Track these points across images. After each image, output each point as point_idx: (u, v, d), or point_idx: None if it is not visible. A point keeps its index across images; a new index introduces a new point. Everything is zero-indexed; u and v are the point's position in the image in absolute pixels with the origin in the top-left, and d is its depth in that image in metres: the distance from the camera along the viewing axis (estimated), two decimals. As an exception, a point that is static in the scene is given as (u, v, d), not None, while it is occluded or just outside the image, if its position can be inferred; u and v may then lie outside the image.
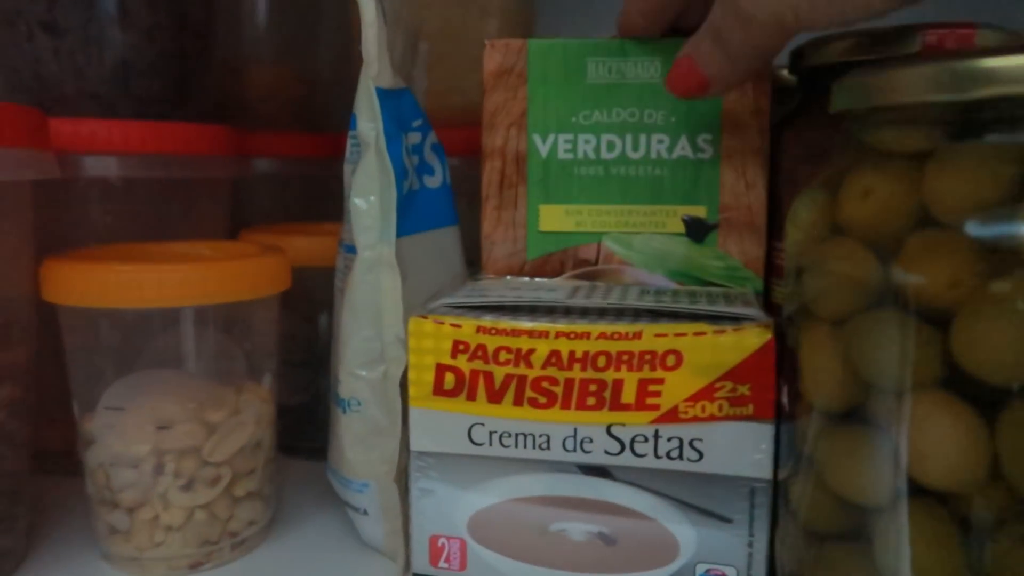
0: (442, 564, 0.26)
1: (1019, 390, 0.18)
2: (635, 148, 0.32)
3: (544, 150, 0.32)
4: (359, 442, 0.31)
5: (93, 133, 0.35)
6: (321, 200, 0.51)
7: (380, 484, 0.30)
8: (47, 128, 0.31)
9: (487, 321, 0.25)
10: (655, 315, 0.25)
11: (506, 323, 0.25)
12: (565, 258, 0.33)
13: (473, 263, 0.35)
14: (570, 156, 0.32)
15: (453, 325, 0.25)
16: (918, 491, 0.19)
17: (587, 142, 0.32)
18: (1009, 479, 0.18)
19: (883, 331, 0.19)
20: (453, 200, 0.35)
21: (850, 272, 0.20)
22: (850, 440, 0.20)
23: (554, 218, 0.32)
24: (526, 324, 0.25)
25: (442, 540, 0.26)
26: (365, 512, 0.31)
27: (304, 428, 0.40)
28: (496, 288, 0.29)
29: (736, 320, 0.24)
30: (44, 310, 0.31)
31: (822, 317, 0.21)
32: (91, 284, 0.28)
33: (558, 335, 0.25)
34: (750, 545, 0.24)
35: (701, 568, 0.25)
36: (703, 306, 0.25)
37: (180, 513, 0.30)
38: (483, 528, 0.26)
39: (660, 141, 0.31)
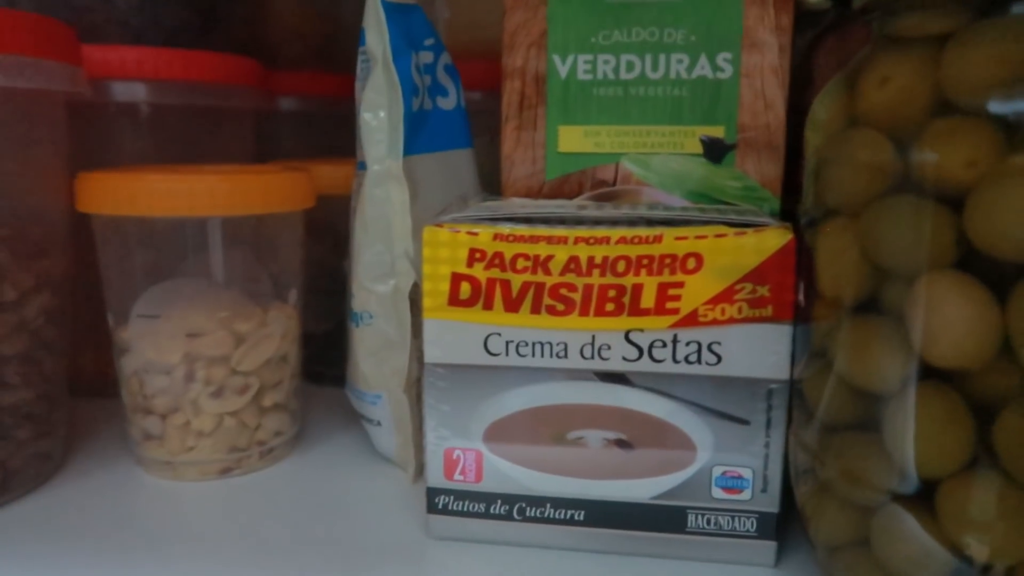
0: (457, 477, 0.27)
1: (1038, 268, 0.17)
2: (654, 68, 0.31)
3: (563, 71, 0.32)
4: (371, 355, 0.31)
5: (122, 59, 0.36)
6: (344, 140, 0.51)
7: (391, 395, 0.31)
8: (78, 45, 0.32)
9: (505, 228, 0.25)
10: (671, 224, 0.25)
11: (524, 230, 0.25)
12: (583, 179, 0.33)
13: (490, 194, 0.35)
14: (589, 77, 0.32)
15: (470, 233, 0.25)
16: (929, 373, 0.19)
17: (606, 62, 0.31)
18: (1019, 356, 0.18)
19: (900, 216, 0.19)
20: (468, 124, 0.35)
21: (868, 159, 0.20)
22: (864, 329, 0.21)
23: (573, 139, 0.32)
24: (544, 230, 0.25)
25: (457, 453, 0.27)
26: (378, 423, 0.32)
27: (329, 355, 0.41)
28: (509, 205, 0.29)
29: (755, 225, 0.24)
30: (80, 232, 0.32)
31: (840, 210, 0.21)
32: (123, 193, 0.29)
33: (577, 240, 0.25)
34: (766, 446, 0.25)
35: (718, 471, 0.25)
36: (717, 216, 0.25)
37: (210, 419, 0.31)
38: (499, 439, 0.26)
39: (679, 61, 0.31)
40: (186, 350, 0.30)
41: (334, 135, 0.52)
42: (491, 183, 0.35)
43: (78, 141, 0.34)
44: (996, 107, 0.18)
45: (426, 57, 0.32)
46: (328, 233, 0.40)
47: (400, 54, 0.30)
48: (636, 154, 0.32)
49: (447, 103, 0.34)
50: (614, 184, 0.33)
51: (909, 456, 0.20)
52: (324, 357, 0.41)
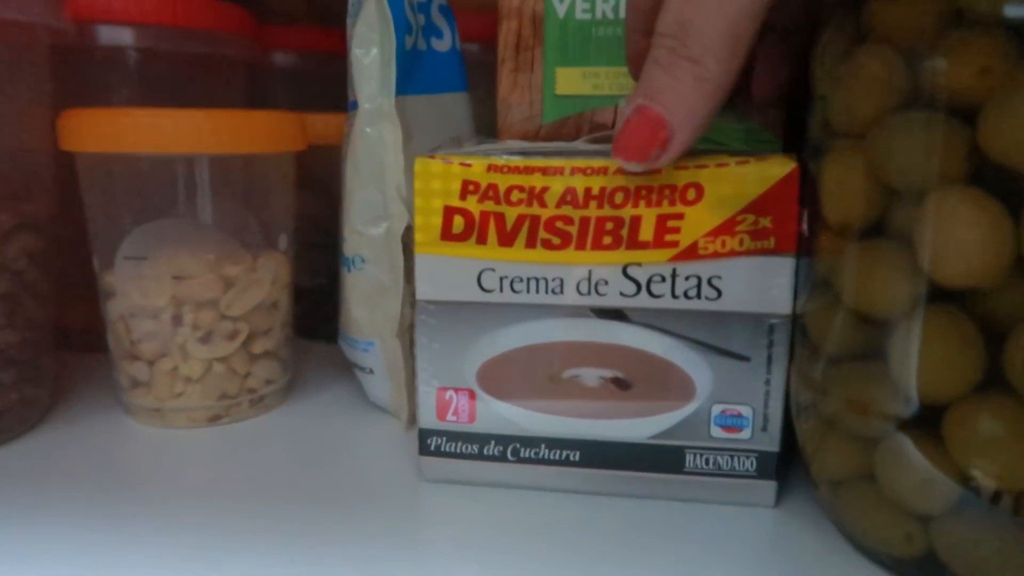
0: (450, 417, 0.26)
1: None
2: (658, 6, 0.30)
3: (561, 10, 0.31)
4: (363, 300, 0.31)
5: (109, 2, 0.35)
6: (339, 96, 0.50)
7: (384, 342, 0.31)
8: (59, -18, 0.31)
9: (499, 159, 0.24)
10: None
11: (519, 161, 0.24)
12: (581, 122, 0.32)
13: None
14: (588, 16, 0.31)
15: (463, 164, 0.24)
16: (938, 295, 0.18)
17: (605, 1, 0.31)
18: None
19: (910, 131, 0.18)
20: (463, 67, 0.34)
21: (878, 74, 0.19)
22: (871, 254, 0.20)
23: (571, 81, 0.31)
24: (540, 161, 0.24)
25: (450, 393, 0.26)
26: (371, 371, 0.31)
27: (323, 311, 0.40)
28: (504, 146, 0.28)
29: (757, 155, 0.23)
30: (65, 174, 0.31)
31: (848, 132, 0.20)
32: (107, 129, 0.28)
33: (574, 171, 0.24)
34: (767, 383, 0.24)
35: (717, 409, 0.24)
36: (719, 149, 0.24)
37: (198, 365, 0.30)
38: (493, 378, 0.26)
39: None
40: (173, 293, 0.29)
41: (327, 92, 0.51)
42: (487, 132, 0.34)
43: (65, 87, 0.33)
44: (1013, 11, 0.17)
45: (420, -6, 0.31)
46: (321, 186, 0.39)
47: (392, -12, 0.29)
48: (636, 96, 0.31)
49: (442, 45, 0.33)
50: (613, 127, 0.32)
51: (916, 381, 0.19)
52: (317, 313, 0.40)
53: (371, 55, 0.29)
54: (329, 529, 0.23)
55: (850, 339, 0.21)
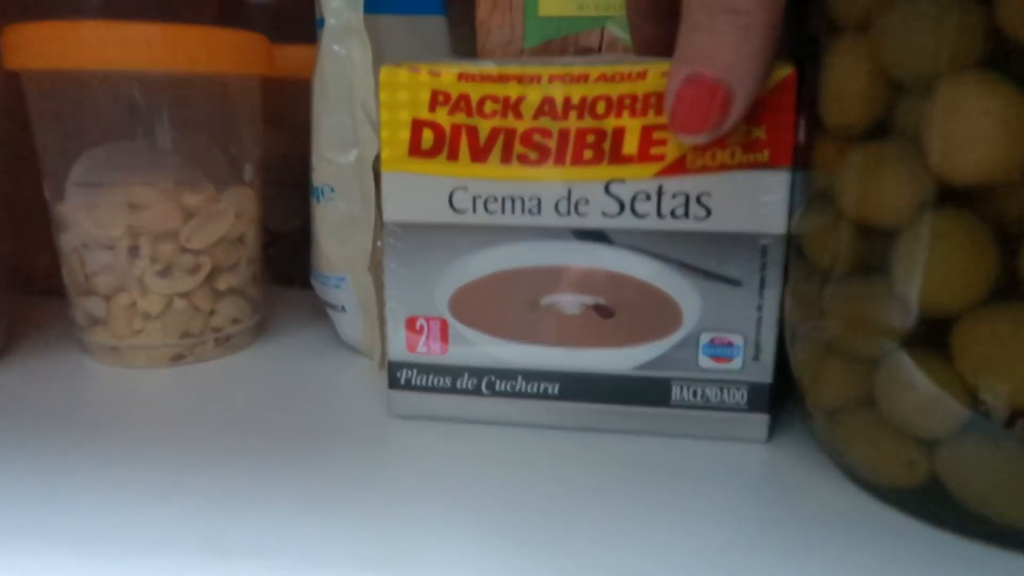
0: (420, 349, 0.24)
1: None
2: (648, -84, 0.28)
3: (546, -78, 0.29)
4: (333, 233, 0.29)
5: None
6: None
7: (355, 277, 0.29)
8: None
9: (471, 67, 0.22)
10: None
11: (492, 68, 0.22)
12: (566, 45, 0.30)
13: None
14: (574, -71, 0.29)
15: (432, 73, 0.22)
16: (947, 197, 0.17)
17: (593, -88, 0.28)
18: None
19: (920, 14, 0.16)
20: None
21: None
22: (875, 156, 0.18)
23: (554, 1, 0.29)
24: (515, 68, 0.22)
25: (420, 322, 0.24)
26: (343, 309, 0.30)
27: (297, 255, 0.38)
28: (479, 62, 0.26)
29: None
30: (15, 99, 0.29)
31: (849, 24, 0.18)
32: (54, 43, 0.26)
33: (552, 79, 0.22)
34: (759, 309, 0.22)
35: (705, 337, 0.23)
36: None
37: (158, 300, 0.28)
38: (466, 306, 0.24)
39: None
40: (129, 223, 0.27)
41: (306, 23, 0.49)
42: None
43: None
44: None
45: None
46: (295, 123, 0.37)
47: None
48: (623, 16, 0.29)
49: (417, -39, 0.31)
50: (599, 51, 0.30)
51: (922, 293, 0.17)
52: (293, 258, 0.39)
53: (336, -37, 0.27)
54: (294, 468, 0.22)
55: (851, 254, 0.19)
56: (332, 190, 0.29)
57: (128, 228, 0.27)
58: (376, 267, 0.29)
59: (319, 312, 0.35)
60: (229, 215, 0.29)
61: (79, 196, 0.27)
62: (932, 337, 0.17)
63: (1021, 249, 0.16)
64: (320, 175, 0.29)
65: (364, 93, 0.27)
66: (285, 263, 0.39)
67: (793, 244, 0.22)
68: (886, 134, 0.18)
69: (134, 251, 0.28)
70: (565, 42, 0.30)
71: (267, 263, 0.42)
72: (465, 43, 0.32)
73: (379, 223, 0.28)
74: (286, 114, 0.36)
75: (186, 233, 0.28)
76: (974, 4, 0.16)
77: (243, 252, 0.30)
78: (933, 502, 0.18)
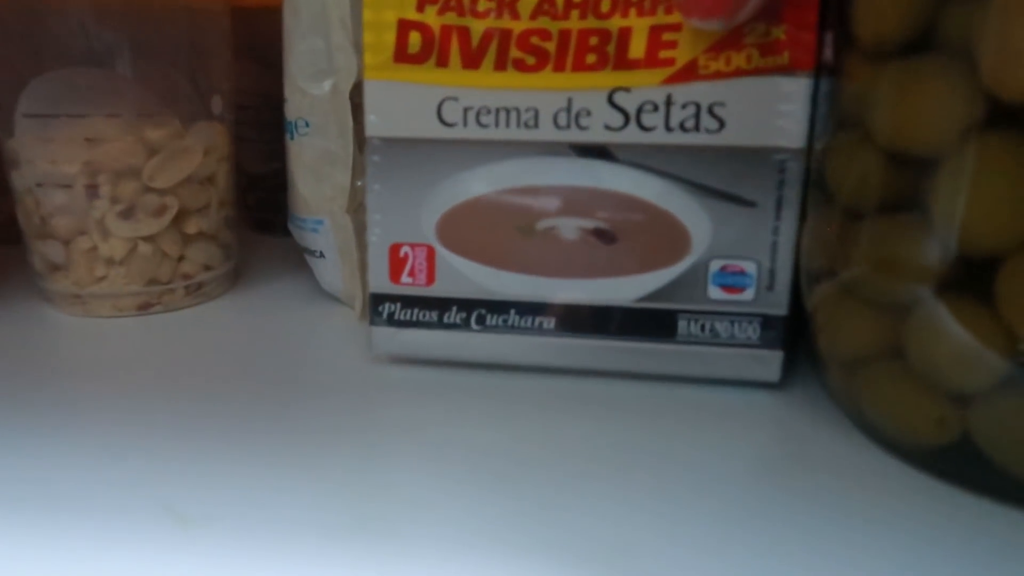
0: (405, 279, 0.22)
1: None
2: None
3: None
4: (309, 171, 0.27)
5: None
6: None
7: (334, 220, 0.27)
8: None
9: (463, -39, 0.20)
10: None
11: (487, -37, 0.20)
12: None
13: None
14: None
15: (422, -32, 0.20)
16: (998, 117, 0.15)
17: None
18: None
19: None
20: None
21: None
22: (912, 72, 0.16)
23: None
24: (511, -36, 0.20)
25: (405, 249, 0.22)
26: (321, 255, 0.28)
27: (277, 199, 0.36)
28: None
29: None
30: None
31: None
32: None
33: (550, -24, 0.20)
34: (775, 233, 0.20)
35: (716, 265, 0.21)
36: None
37: (121, 244, 0.26)
38: (455, 231, 0.22)
39: None
40: (86, 158, 0.25)
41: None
42: None
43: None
44: None
45: None
46: (274, 56, 0.34)
47: None
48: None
49: None
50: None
51: (962, 231, 0.15)
52: (272, 201, 0.36)
53: None
54: (264, 426, 0.20)
55: (881, 186, 0.17)
56: (307, 124, 0.26)
57: (85, 165, 0.25)
58: (356, 208, 0.27)
59: (299, 260, 0.32)
60: (197, 152, 0.27)
61: (30, 129, 0.25)
62: (972, 282, 0.15)
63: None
64: (293, 108, 0.27)
65: (342, 18, 0.25)
66: (266, 208, 0.37)
67: (813, 174, 0.20)
68: (927, 48, 0.16)
69: (92, 190, 0.25)
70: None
71: (246, 209, 0.39)
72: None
73: (359, 160, 0.26)
74: (265, 47, 0.33)
75: (149, 170, 0.26)
76: None
77: (214, 193, 0.28)
78: (963, 462, 0.16)
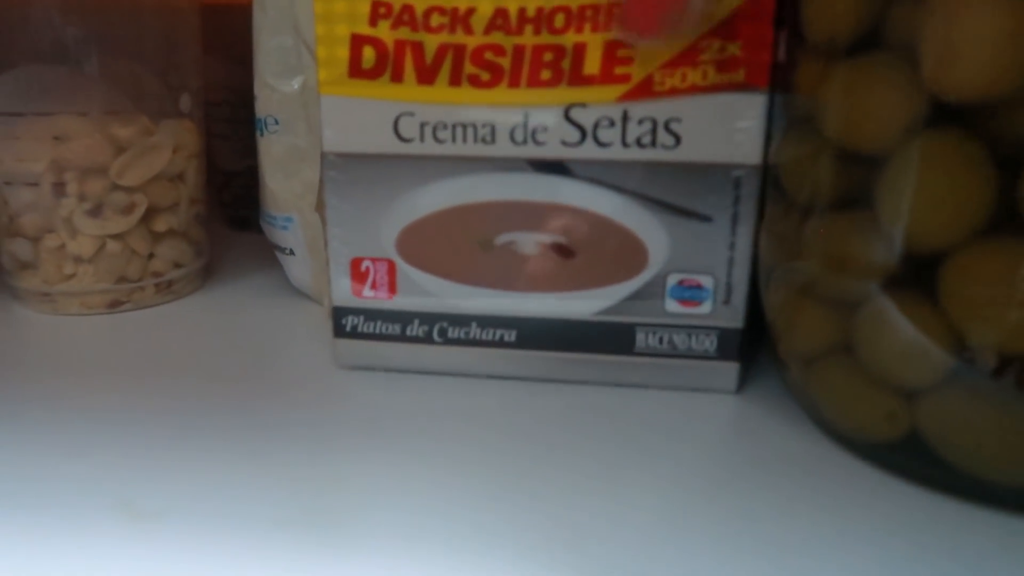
0: (367, 293, 0.22)
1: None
2: None
3: None
4: (278, 168, 0.27)
5: None
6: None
7: (303, 216, 0.27)
8: None
9: (416, -27, 0.20)
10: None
11: (440, -25, 0.20)
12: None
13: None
14: None
15: (374, -20, 0.20)
16: (941, 115, 0.15)
17: None
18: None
19: None
20: None
21: None
22: (861, 72, 0.16)
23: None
24: (464, -24, 0.20)
25: (366, 263, 0.22)
26: (291, 252, 0.28)
27: (252, 195, 0.36)
28: None
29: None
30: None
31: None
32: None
33: (505, -12, 0.20)
34: (731, 248, 0.20)
35: (673, 279, 0.21)
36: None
37: (89, 242, 0.26)
38: (415, 246, 0.22)
39: None
40: (53, 156, 0.25)
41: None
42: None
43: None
44: None
45: None
46: (244, 48, 0.34)
47: None
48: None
49: None
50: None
51: (908, 227, 0.15)
52: (247, 198, 0.36)
53: None
54: (227, 423, 0.20)
55: (833, 185, 0.17)
56: (276, 121, 0.26)
57: (52, 163, 0.25)
58: (324, 206, 0.27)
59: (272, 256, 0.33)
60: (166, 149, 0.27)
61: (-6, 125, 0.25)
62: (919, 278, 0.16)
63: (1023, 174, 0.14)
64: (263, 105, 0.26)
65: (308, 6, 0.24)
66: (241, 205, 0.37)
67: (770, 177, 0.20)
68: (875, 47, 0.16)
69: (60, 188, 0.25)
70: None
71: (221, 206, 0.39)
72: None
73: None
74: (238, 44, 0.33)
75: (117, 168, 0.26)
76: None
77: (183, 191, 0.28)
78: (913, 457, 0.17)
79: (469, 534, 0.16)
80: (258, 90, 0.27)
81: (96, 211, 0.26)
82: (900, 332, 0.16)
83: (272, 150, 0.27)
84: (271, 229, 0.28)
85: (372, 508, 0.17)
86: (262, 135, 0.27)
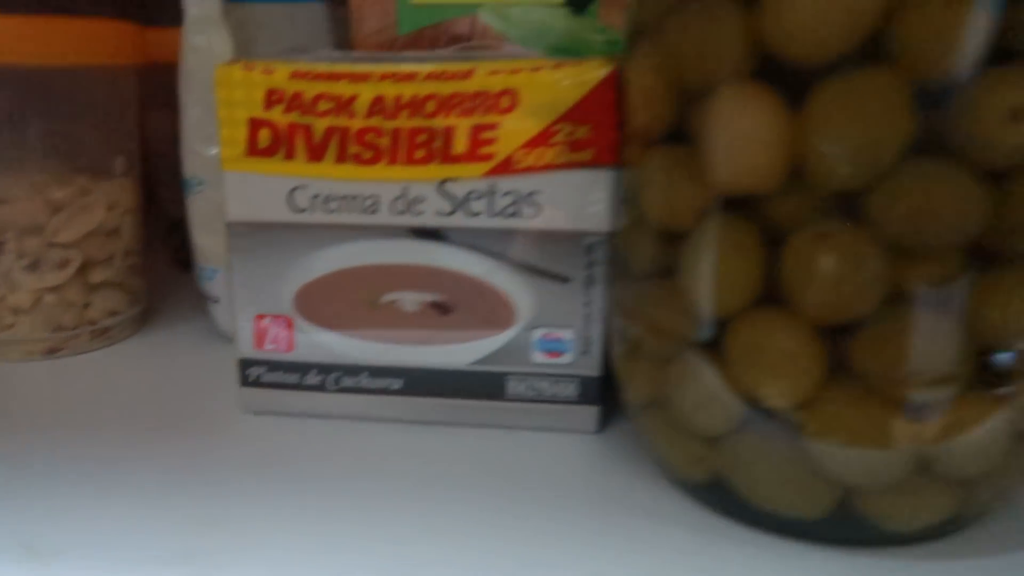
0: (268, 346, 0.25)
1: (826, 67, 0.15)
2: (513, -94, 0.28)
3: (414, -90, 0.29)
4: (204, 225, 0.29)
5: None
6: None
7: (226, 269, 0.29)
8: None
9: (303, 65, 0.22)
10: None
11: (324, 66, 0.22)
12: (438, 34, 0.30)
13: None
14: (443, -83, 0.28)
15: (265, 72, 0.23)
16: (727, 203, 0.17)
17: (461, -100, 0.28)
18: (811, 169, 0.16)
19: (697, 22, 0.17)
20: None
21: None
22: (664, 161, 0.18)
23: (426, -11, 0.29)
24: (346, 67, 0.22)
25: (267, 320, 0.25)
26: (217, 300, 0.30)
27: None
28: (328, 53, 0.26)
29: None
30: None
31: (644, 28, 0.19)
32: None
33: (383, 77, 0.22)
34: (587, 305, 0.23)
35: (538, 333, 0.23)
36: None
37: (27, 295, 0.28)
38: (310, 304, 0.24)
39: None
40: (-8, 218, 0.28)
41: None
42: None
43: None
44: None
45: None
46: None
47: None
48: (494, 4, 0.29)
49: (290, -51, 0.30)
50: (470, 40, 0.30)
51: (702, 296, 0.18)
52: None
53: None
54: (134, 465, 0.22)
55: (651, 256, 0.19)
56: (200, 182, 0.29)
57: (-9, 224, 0.28)
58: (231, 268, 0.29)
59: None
60: (100, 208, 0.29)
61: (-60, 191, 0.27)
62: (715, 339, 0.18)
63: (781, 254, 0.16)
64: (189, 167, 0.29)
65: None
66: (185, 248, 0.39)
67: (612, 245, 0.22)
68: (681, 139, 0.18)
69: (0, 246, 0.28)
70: (437, 29, 0.29)
71: (171, 251, 0.42)
72: (346, 28, 0.32)
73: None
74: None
75: (53, 227, 0.28)
76: (742, 15, 0.16)
77: (119, 244, 0.30)
78: (720, 495, 0.19)
79: (339, 571, 0.18)
80: (184, 153, 0.29)
81: (33, 267, 0.28)
82: (699, 384, 0.18)
83: (199, 208, 0.29)
84: (202, 281, 0.31)
85: (252, 547, 0.19)
86: (189, 194, 0.29)
